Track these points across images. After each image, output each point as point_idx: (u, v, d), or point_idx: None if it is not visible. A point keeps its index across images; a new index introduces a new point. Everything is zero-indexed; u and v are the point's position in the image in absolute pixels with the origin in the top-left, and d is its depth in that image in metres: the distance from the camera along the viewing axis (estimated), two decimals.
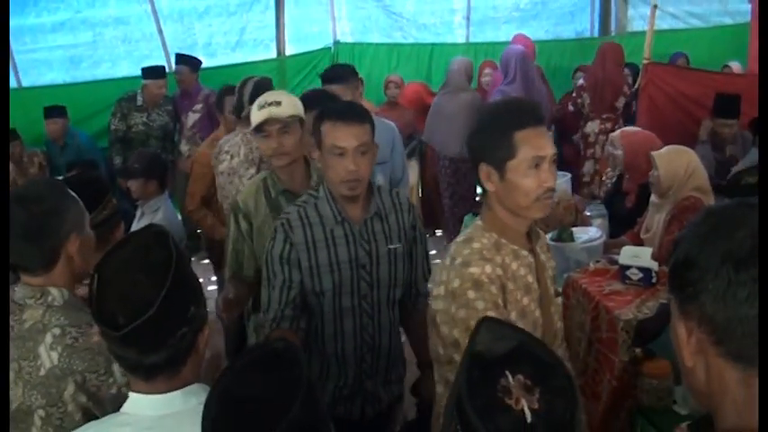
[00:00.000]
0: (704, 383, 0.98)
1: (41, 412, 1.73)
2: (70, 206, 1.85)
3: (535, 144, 1.82)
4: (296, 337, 2.27)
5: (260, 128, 2.63)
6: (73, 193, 1.90)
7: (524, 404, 1.08)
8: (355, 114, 2.31)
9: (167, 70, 6.15)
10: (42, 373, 1.73)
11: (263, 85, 3.68)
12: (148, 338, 1.36)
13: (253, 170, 3.65)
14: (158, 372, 1.41)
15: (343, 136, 2.25)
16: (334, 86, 3.62)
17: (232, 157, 3.72)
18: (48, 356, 1.74)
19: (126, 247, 1.45)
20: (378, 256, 2.40)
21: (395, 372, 2.58)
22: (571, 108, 5.90)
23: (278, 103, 2.64)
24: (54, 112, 5.89)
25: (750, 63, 5.44)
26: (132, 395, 1.45)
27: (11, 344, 1.76)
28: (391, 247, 2.42)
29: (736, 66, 6.29)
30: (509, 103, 1.98)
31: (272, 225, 2.62)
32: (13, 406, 1.74)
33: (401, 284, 2.48)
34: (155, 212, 3.75)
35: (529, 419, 1.07)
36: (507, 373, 1.11)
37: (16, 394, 1.74)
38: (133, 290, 1.36)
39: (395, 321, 2.52)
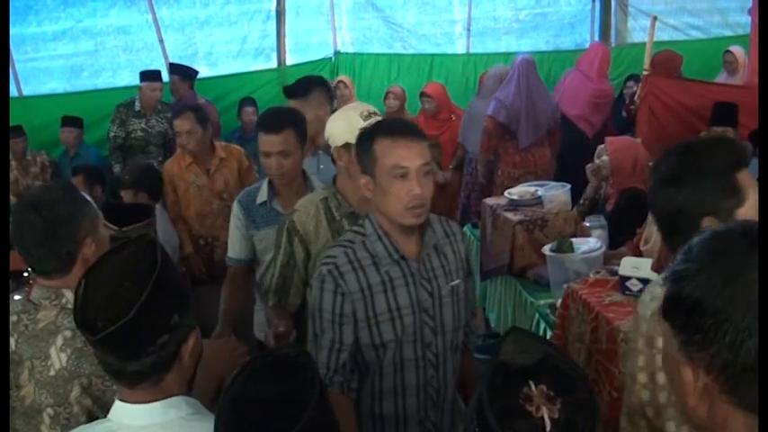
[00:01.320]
0: (705, 420, 0.94)
1: (50, 411, 1.77)
2: (84, 210, 1.88)
3: (753, 185, 1.55)
4: (350, 405, 2.04)
5: None
6: (87, 197, 1.94)
7: (545, 412, 1.08)
8: (414, 129, 2.04)
9: (166, 79, 6.17)
10: (52, 373, 1.77)
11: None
12: (127, 344, 1.36)
13: None
14: (140, 380, 1.41)
15: (405, 154, 1.96)
16: (293, 102, 3.32)
17: None
18: (57, 358, 1.78)
19: (116, 256, 1.46)
20: (440, 296, 2.10)
21: (456, 429, 2.25)
22: (624, 114, 5.96)
23: (377, 115, 2.40)
24: (70, 121, 6.04)
25: (750, 75, 5.44)
26: (117, 403, 1.46)
27: (25, 342, 1.81)
28: (453, 284, 2.13)
29: (738, 50, 6.28)
30: (718, 142, 1.62)
31: None
32: (26, 402, 1.79)
33: (463, 326, 2.20)
34: None
35: (548, 428, 1.07)
36: (531, 382, 1.12)
37: (29, 391, 1.79)
38: (114, 296, 1.37)
39: (457, 370, 2.21)
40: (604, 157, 4.06)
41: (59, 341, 1.78)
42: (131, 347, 1.37)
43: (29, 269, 2.72)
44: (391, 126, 2.05)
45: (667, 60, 5.90)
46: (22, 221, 1.83)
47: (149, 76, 5.94)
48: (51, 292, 1.84)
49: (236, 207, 3.01)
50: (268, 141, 2.77)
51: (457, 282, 2.14)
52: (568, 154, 5.39)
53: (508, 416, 1.08)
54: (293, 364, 1.32)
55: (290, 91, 3.43)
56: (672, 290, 0.96)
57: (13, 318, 1.84)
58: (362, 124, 2.31)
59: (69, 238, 1.83)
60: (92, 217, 1.90)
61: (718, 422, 0.93)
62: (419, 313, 2.06)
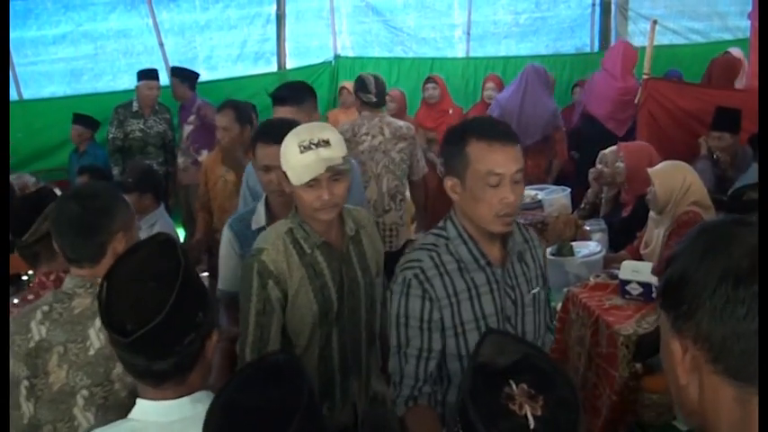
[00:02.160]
0: (697, 402, 0.96)
1: (85, 392, 1.83)
2: (121, 206, 1.99)
3: None
4: (438, 420, 1.90)
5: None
6: (124, 197, 2.07)
7: (528, 410, 1.09)
8: (509, 132, 1.91)
9: (165, 82, 6.18)
10: (91, 353, 1.85)
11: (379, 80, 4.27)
12: (157, 345, 1.39)
13: (402, 144, 4.17)
14: (166, 378, 1.43)
15: (501, 160, 1.84)
16: (286, 108, 3.10)
17: (373, 137, 4.14)
18: (97, 338, 1.85)
19: (135, 256, 1.49)
20: (523, 304, 2.01)
21: None
22: None
23: (327, 143, 2.05)
24: (80, 119, 6.05)
25: (750, 79, 5.44)
26: (140, 401, 1.47)
27: (58, 329, 1.86)
28: (534, 291, 2.05)
29: (736, 51, 6.28)
30: None
31: (310, 288, 2.18)
32: (54, 388, 1.83)
33: (542, 337, 2.12)
34: (152, 227, 3.76)
35: (532, 425, 1.09)
36: (511, 381, 1.13)
37: (59, 377, 1.83)
38: (142, 297, 1.39)
39: None
40: (619, 164, 4.03)
41: (98, 323, 1.83)
42: (161, 348, 1.39)
43: (28, 272, 2.73)
44: (486, 127, 1.90)
45: (725, 64, 5.86)
46: (61, 209, 1.93)
47: (146, 74, 5.98)
48: (86, 280, 1.91)
49: (227, 234, 2.68)
50: (271, 153, 2.41)
51: (537, 289, 2.06)
52: (595, 155, 5.33)
53: (492, 416, 1.09)
54: (283, 371, 1.33)
55: (282, 97, 3.19)
56: (665, 275, 1.00)
57: (44, 308, 1.89)
58: (297, 158, 2.06)
59: (104, 228, 1.91)
60: (127, 215, 2.00)
61: (708, 398, 0.95)
62: (502, 322, 1.97)
